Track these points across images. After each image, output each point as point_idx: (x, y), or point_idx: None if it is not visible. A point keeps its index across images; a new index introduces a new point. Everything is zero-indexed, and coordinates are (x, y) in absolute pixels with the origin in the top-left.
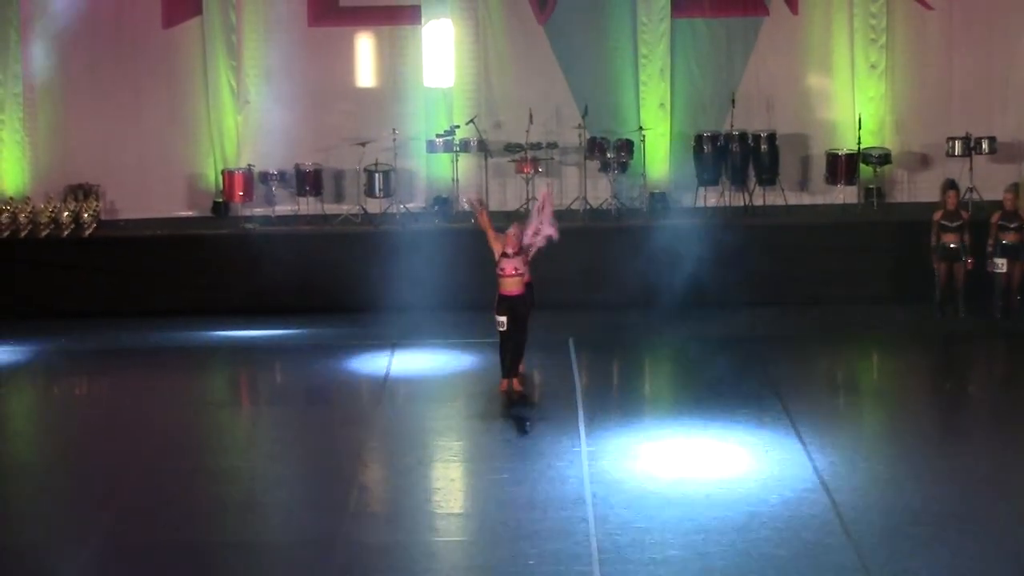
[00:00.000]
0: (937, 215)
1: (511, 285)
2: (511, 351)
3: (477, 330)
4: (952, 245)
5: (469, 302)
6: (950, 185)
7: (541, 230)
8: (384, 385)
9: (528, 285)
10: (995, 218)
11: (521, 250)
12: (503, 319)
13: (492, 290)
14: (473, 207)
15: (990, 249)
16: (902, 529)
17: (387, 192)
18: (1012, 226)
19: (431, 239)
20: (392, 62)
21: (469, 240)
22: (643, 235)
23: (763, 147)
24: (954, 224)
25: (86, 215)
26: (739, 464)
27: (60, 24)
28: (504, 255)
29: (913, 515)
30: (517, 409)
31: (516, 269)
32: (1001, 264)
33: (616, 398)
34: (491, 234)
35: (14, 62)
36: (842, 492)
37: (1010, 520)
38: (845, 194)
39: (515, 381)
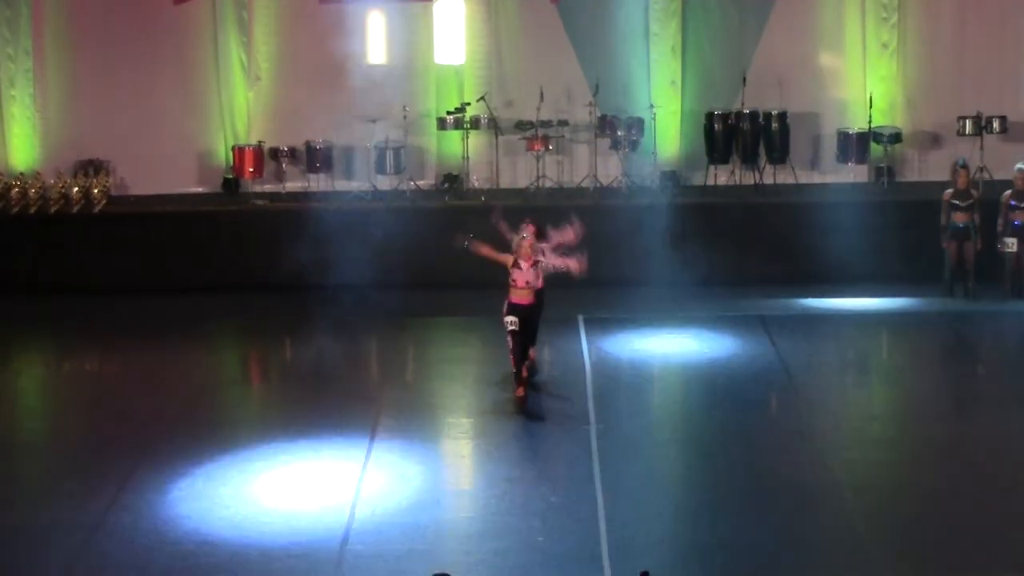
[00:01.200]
0: (947, 194)
1: (522, 295)
2: (521, 354)
3: (491, 307)
4: (962, 224)
5: (477, 280)
6: (961, 164)
7: (556, 258)
8: (395, 361)
9: (539, 291)
10: (1005, 198)
11: (535, 263)
12: (512, 318)
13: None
14: (468, 243)
15: (1000, 229)
16: (902, 503)
17: (397, 169)
18: (1023, 205)
19: (441, 217)
20: (403, 39)
21: (479, 218)
22: (653, 213)
23: (774, 125)
24: (964, 203)
25: (96, 191)
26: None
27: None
28: (516, 266)
29: (919, 492)
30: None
31: (528, 282)
32: (1011, 244)
33: (625, 376)
34: (494, 256)
35: (25, 38)
36: (844, 464)
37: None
38: (856, 173)
39: (520, 388)
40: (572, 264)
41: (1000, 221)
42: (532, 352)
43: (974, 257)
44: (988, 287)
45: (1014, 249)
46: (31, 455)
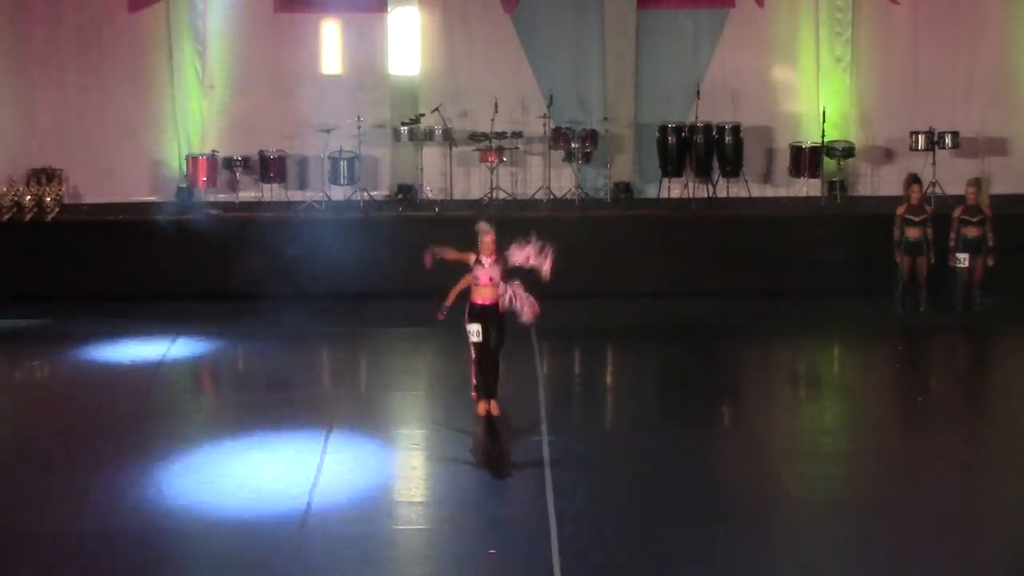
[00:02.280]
0: (901, 209)
1: (485, 294)
2: (489, 366)
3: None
4: (915, 239)
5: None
6: (914, 179)
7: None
8: (345, 372)
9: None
10: (957, 212)
11: (498, 259)
12: (476, 327)
13: (457, 276)
14: (434, 255)
15: (952, 244)
16: (845, 517)
17: (351, 179)
18: (974, 220)
19: (393, 226)
20: (358, 49)
21: (432, 228)
22: (606, 225)
23: (727, 139)
24: (918, 219)
25: (49, 199)
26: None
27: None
28: (478, 262)
29: (860, 504)
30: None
31: (491, 279)
32: (963, 259)
33: (576, 388)
34: (455, 256)
35: None
36: (793, 477)
37: (953, 513)
38: (809, 187)
39: (494, 403)
40: (544, 264)
41: (952, 236)
42: (494, 406)
43: (926, 272)
44: (939, 301)
45: (966, 264)
46: None
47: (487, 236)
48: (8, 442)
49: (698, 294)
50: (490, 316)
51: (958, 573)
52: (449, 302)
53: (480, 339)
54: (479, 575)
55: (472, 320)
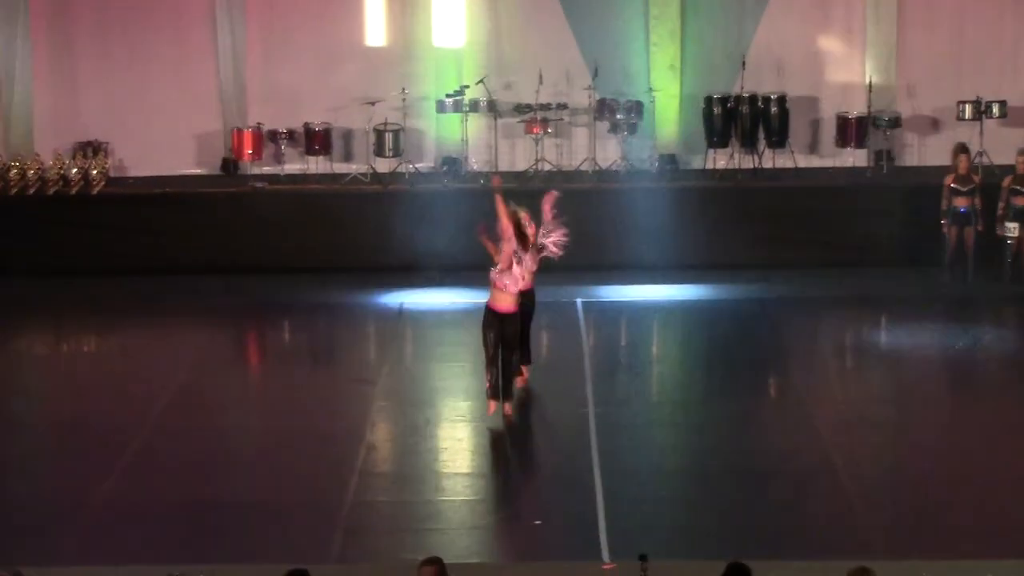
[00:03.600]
0: (948, 179)
1: (506, 301)
2: (501, 369)
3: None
4: (963, 209)
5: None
6: (961, 149)
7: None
8: (392, 344)
9: (528, 292)
10: (1007, 182)
11: (532, 247)
12: (492, 335)
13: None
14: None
15: (1000, 213)
16: (890, 487)
17: (396, 152)
18: None
19: (440, 199)
20: (402, 21)
21: (478, 200)
22: (652, 197)
23: (773, 109)
24: (965, 188)
25: (95, 172)
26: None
27: None
28: (518, 259)
29: (916, 476)
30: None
31: (506, 285)
32: (1012, 228)
33: (622, 359)
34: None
35: (23, 18)
36: (838, 448)
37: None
38: (855, 157)
39: (506, 405)
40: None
41: (1001, 205)
42: (523, 375)
43: (974, 242)
44: (987, 272)
45: (1016, 234)
46: (30, 434)
47: (531, 228)
48: (55, 415)
49: (744, 265)
50: (505, 321)
51: (1006, 545)
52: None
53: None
54: (525, 546)
55: (488, 326)
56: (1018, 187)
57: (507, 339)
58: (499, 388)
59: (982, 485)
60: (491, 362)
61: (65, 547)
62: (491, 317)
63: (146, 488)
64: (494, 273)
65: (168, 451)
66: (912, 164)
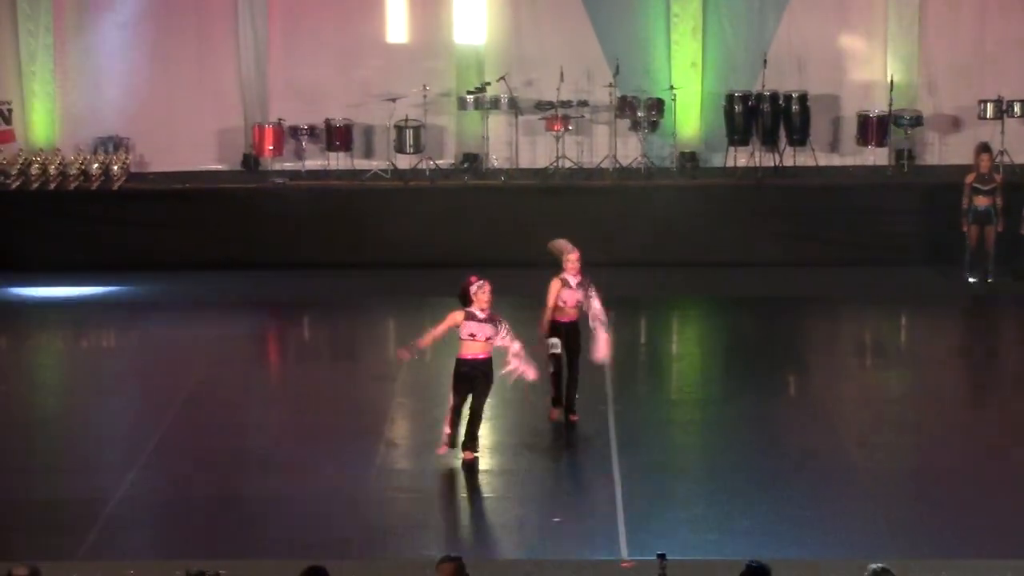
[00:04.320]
0: (970, 178)
1: (571, 315)
2: (570, 376)
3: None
4: (983, 208)
5: (501, 259)
6: (983, 148)
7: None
8: (411, 340)
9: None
10: None
11: (583, 280)
12: (556, 340)
13: (521, 246)
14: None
15: (1023, 213)
16: (911, 486)
17: (417, 148)
18: None
19: (460, 196)
20: (424, 18)
21: (498, 197)
22: (672, 194)
23: (794, 107)
24: (987, 187)
25: (115, 167)
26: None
27: None
28: (566, 285)
29: (935, 475)
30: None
31: (578, 301)
32: None
33: (641, 357)
34: (550, 299)
35: (45, 13)
36: (859, 446)
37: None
38: (876, 156)
39: (573, 415)
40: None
41: None
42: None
43: (994, 240)
44: (1007, 270)
45: None
46: (50, 429)
47: (573, 254)
48: (74, 410)
49: (764, 263)
50: (570, 332)
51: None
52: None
53: (560, 351)
54: (544, 543)
55: (553, 334)
56: None
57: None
58: (565, 395)
59: (1003, 484)
60: (558, 369)
61: (82, 543)
62: (555, 326)
63: (164, 484)
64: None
65: (187, 446)
66: (933, 163)
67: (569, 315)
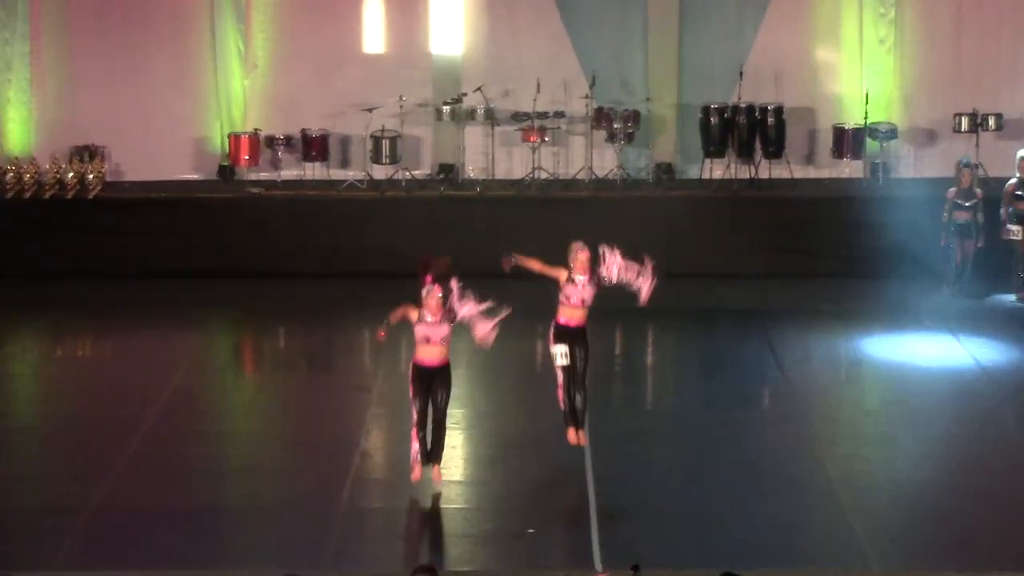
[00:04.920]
0: (951, 192)
1: (573, 315)
2: (576, 391)
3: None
4: (963, 222)
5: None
6: (965, 163)
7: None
8: (388, 351)
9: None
10: (1010, 187)
11: (592, 278)
12: (563, 348)
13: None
14: (514, 260)
15: (1004, 218)
16: (884, 499)
17: (393, 159)
18: None
19: (435, 206)
20: (401, 28)
21: (474, 208)
22: (648, 206)
23: (770, 120)
24: (968, 203)
25: (91, 176)
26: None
27: None
28: (571, 280)
29: (915, 487)
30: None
31: (583, 300)
32: (1016, 232)
33: (617, 368)
34: (541, 268)
35: (22, 21)
36: (833, 459)
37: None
38: (851, 168)
39: (581, 433)
40: (644, 284)
41: (1004, 210)
42: (581, 435)
43: (973, 254)
44: (987, 283)
45: (1019, 237)
46: (25, 438)
47: (582, 253)
48: (49, 419)
49: (739, 276)
50: (577, 337)
51: (998, 558)
52: (522, 261)
53: (567, 362)
54: (518, 554)
55: (558, 340)
56: (1021, 192)
57: (577, 354)
58: (579, 410)
59: (977, 497)
60: (565, 386)
61: (59, 552)
62: (559, 331)
63: (140, 493)
64: (562, 293)
65: (162, 456)
66: (908, 176)
67: (576, 318)
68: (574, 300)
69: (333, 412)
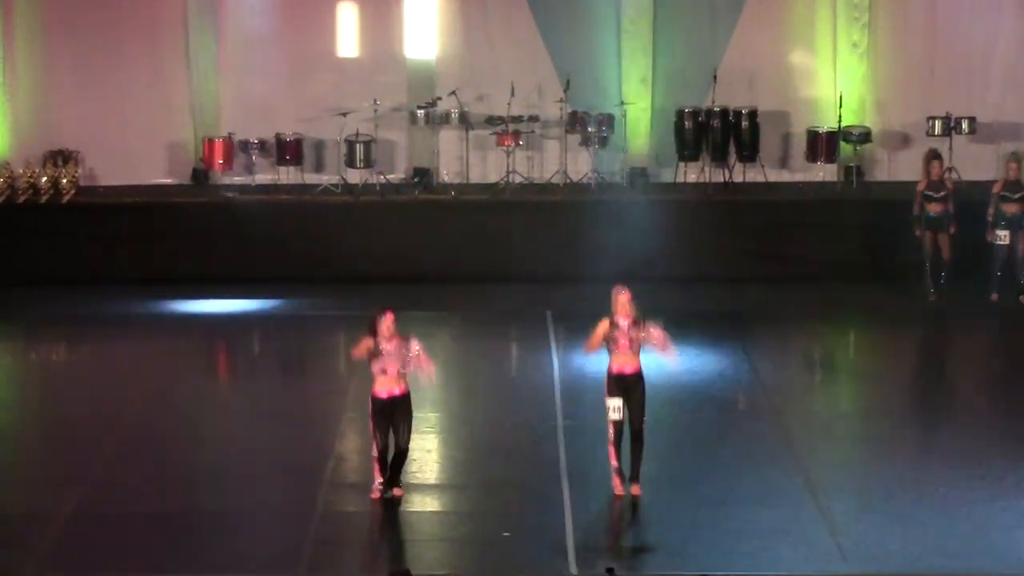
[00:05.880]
0: (921, 185)
1: (626, 362)
2: (633, 441)
3: (458, 302)
4: (935, 215)
5: (452, 274)
6: (934, 155)
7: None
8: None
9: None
10: (997, 188)
11: (637, 320)
12: (617, 402)
13: (472, 260)
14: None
15: (990, 219)
16: (875, 506)
17: (367, 163)
18: (1015, 197)
19: (410, 210)
20: (375, 33)
21: (448, 212)
22: (622, 209)
23: (744, 123)
24: (939, 194)
25: (65, 181)
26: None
27: None
28: (615, 325)
29: (886, 492)
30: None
31: (632, 340)
32: (1003, 236)
33: (590, 371)
34: (599, 340)
35: None
36: (813, 461)
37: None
38: (825, 172)
39: (635, 486)
40: (668, 350)
41: (990, 211)
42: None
43: (950, 248)
44: (965, 281)
45: (1006, 241)
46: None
47: (622, 296)
48: (24, 425)
49: (714, 279)
50: (632, 386)
51: (978, 555)
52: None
53: (620, 416)
54: (493, 558)
55: (613, 393)
56: (1008, 193)
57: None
58: (632, 468)
59: (955, 499)
60: (616, 440)
61: (34, 557)
62: (614, 383)
63: (114, 499)
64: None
65: (138, 462)
66: (882, 179)
67: (630, 365)
68: (622, 343)
69: (307, 416)
